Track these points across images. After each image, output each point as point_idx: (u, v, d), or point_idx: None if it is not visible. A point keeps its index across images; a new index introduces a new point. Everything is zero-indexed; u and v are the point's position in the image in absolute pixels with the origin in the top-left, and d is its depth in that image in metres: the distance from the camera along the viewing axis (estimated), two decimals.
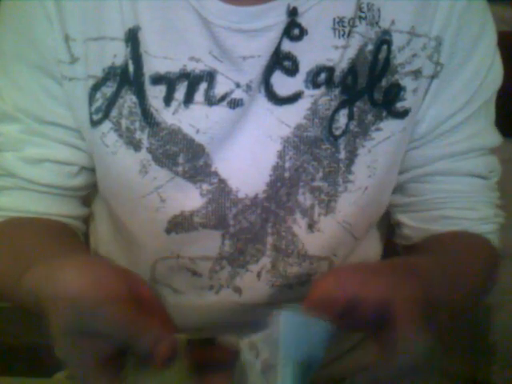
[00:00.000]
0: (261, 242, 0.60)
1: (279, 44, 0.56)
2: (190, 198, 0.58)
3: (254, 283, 0.62)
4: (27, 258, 0.52)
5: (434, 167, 0.61)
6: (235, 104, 0.56)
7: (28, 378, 0.57)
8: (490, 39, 0.60)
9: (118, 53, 0.57)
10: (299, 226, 0.60)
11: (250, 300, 0.63)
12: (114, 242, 0.66)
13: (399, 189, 0.64)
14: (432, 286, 0.46)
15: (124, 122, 0.58)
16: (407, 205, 0.64)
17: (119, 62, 0.57)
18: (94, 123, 0.58)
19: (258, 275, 0.62)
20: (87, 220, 0.68)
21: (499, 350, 0.95)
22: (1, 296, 0.57)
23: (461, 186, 0.62)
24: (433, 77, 0.59)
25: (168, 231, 0.60)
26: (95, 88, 0.58)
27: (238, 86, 0.56)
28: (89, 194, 0.66)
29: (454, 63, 0.59)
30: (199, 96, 0.56)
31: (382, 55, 0.57)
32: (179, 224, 0.59)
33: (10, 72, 0.60)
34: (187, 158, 0.57)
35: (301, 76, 0.57)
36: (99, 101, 0.58)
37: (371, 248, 0.69)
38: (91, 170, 0.63)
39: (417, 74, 0.58)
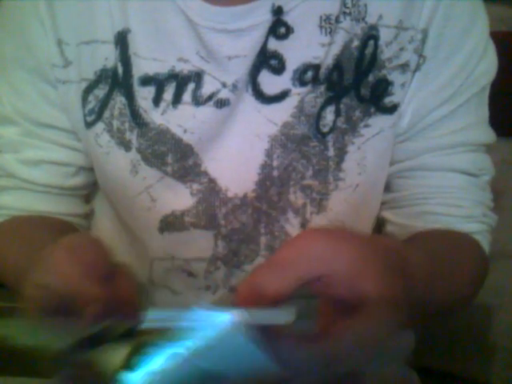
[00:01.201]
0: (254, 242, 0.60)
1: (265, 43, 0.56)
2: (180, 198, 0.59)
3: None
4: (35, 250, 0.53)
5: (417, 161, 0.60)
6: (222, 104, 0.57)
7: (28, 378, 0.57)
8: (481, 32, 0.59)
9: (109, 56, 0.58)
10: (292, 225, 0.60)
11: None
12: (115, 240, 0.67)
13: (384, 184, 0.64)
14: (414, 289, 0.44)
15: (115, 123, 0.59)
16: (391, 201, 0.63)
17: (110, 64, 0.58)
18: (88, 124, 0.59)
19: None
20: (89, 217, 0.69)
21: (499, 350, 0.95)
22: (14, 284, 0.58)
23: (445, 182, 0.60)
24: (415, 70, 0.58)
25: (161, 230, 0.60)
26: (88, 91, 0.59)
27: (224, 85, 0.57)
28: (90, 192, 0.67)
29: (439, 56, 0.58)
30: (187, 96, 0.57)
31: (369, 51, 0.57)
32: (171, 224, 0.60)
33: (9, 76, 0.61)
34: (176, 157, 0.58)
35: (288, 74, 0.57)
36: (92, 103, 0.59)
37: None
38: (90, 170, 0.64)
39: (404, 67, 0.58)
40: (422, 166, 0.60)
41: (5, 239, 0.62)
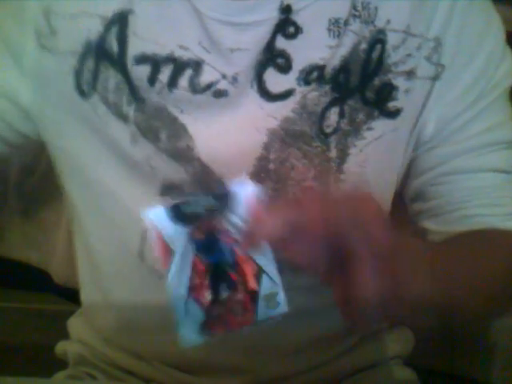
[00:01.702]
0: None
1: (273, 41, 0.56)
2: (177, 173, 0.59)
3: None
4: None
5: (449, 166, 0.60)
6: (220, 95, 0.57)
7: (28, 378, 0.57)
8: (496, 35, 0.59)
9: (92, 28, 0.58)
10: None
11: None
12: (102, 214, 0.65)
13: (419, 195, 0.63)
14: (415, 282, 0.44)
15: (111, 97, 0.59)
16: (428, 210, 0.62)
17: (93, 36, 0.58)
18: (85, 95, 0.60)
19: None
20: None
21: (499, 350, 0.95)
22: None
23: (481, 183, 0.60)
24: (434, 78, 0.58)
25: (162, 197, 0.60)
26: (80, 61, 0.59)
27: (224, 77, 0.57)
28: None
29: (458, 63, 0.58)
30: (184, 81, 0.57)
31: (376, 54, 0.57)
32: (171, 191, 0.60)
33: None
34: (169, 134, 0.58)
35: (293, 74, 0.57)
36: (86, 74, 0.59)
37: None
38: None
39: (410, 74, 0.58)
40: (455, 170, 0.60)
41: None
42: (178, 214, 0.41)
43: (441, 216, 0.62)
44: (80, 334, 0.76)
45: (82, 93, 0.60)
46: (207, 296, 0.40)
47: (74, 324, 0.78)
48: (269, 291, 0.41)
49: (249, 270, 0.41)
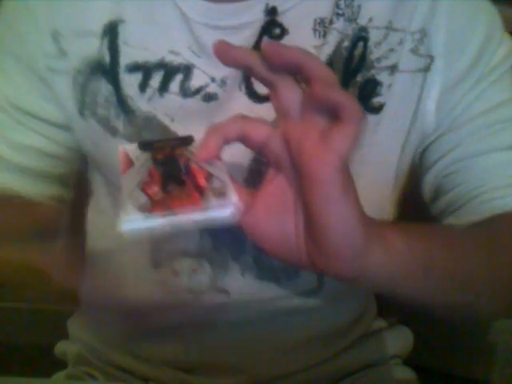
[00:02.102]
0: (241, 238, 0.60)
1: (258, 42, 0.57)
2: None
3: (239, 280, 0.62)
4: None
5: (459, 151, 0.59)
6: (210, 98, 0.57)
7: (28, 378, 0.57)
8: (489, 21, 0.58)
9: (94, 46, 0.59)
10: None
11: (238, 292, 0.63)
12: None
13: (436, 190, 0.62)
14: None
15: (99, 110, 0.60)
16: (448, 205, 0.61)
17: (94, 54, 0.59)
18: (82, 114, 0.61)
19: (242, 273, 0.62)
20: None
21: (499, 350, 0.95)
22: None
23: (494, 163, 0.58)
24: (425, 70, 0.58)
25: None
26: (76, 79, 0.60)
27: (212, 80, 0.58)
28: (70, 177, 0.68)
29: (449, 52, 0.57)
30: (174, 86, 0.58)
31: (358, 51, 0.57)
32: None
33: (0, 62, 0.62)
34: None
35: None
36: (79, 91, 0.60)
37: None
38: (72, 161, 0.65)
39: (393, 68, 0.58)
40: (465, 154, 0.58)
41: None
42: (147, 145, 0.45)
43: (461, 208, 0.60)
44: (80, 334, 0.76)
45: (80, 111, 0.61)
46: (154, 188, 0.41)
47: (74, 324, 0.78)
48: (218, 187, 0.41)
49: (200, 175, 0.42)
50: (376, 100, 0.58)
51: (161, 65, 0.58)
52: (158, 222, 0.38)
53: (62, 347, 0.78)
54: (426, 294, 0.51)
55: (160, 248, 0.62)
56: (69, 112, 0.62)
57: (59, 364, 0.77)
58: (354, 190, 0.42)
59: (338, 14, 0.57)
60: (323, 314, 0.67)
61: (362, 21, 0.57)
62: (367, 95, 0.58)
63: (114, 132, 0.60)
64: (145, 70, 0.58)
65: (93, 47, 0.59)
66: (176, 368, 0.68)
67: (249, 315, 0.64)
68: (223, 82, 0.58)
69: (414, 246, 0.48)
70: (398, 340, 0.76)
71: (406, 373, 0.75)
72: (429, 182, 0.62)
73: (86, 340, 0.74)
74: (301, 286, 0.64)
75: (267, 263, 0.62)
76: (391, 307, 0.79)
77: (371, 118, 0.58)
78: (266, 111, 0.57)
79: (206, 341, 0.66)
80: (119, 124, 0.59)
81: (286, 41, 0.57)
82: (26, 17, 0.60)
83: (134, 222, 0.37)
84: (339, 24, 0.57)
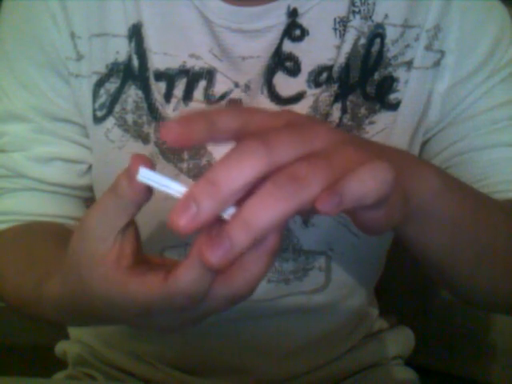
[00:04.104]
0: None
1: (280, 45, 0.56)
2: None
3: None
4: (43, 264, 0.52)
5: (462, 144, 0.59)
6: (234, 103, 0.56)
7: (28, 378, 0.57)
8: (501, 19, 0.59)
9: (120, 49, 0.57)
10: (294, 220, 0.60)
11: None
12: None
13: None
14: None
15: (130, 117, 0.58)
16: None
17: (122, 58, 0.58)
18: (98, 120, 0.59)
19: None
20: None
21: (499, 351, 0.95)
22: (19, 307, 0.56)
23: (495, 158, 0.58)
24: (435, 64, 0.58)
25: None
26: (99, 84, 0.58)
27: (236, 85, 0.57)
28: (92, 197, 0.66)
29: (461, 48, 0.58)
30: (198, 94, 0.57)
31: (375, 49, 0.57)
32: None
33: (17, 72, 0.60)
34: (191, 154, 0.57)
35: (303, 76, 0.57)
36: (103, 97, 0.58)
37: (376, 246, 0.68)
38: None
39: (409, 64, 0.58)
40: (467, 147, 0.58)
41: (6, 252, 0.59)
42: None
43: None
44: (80, 335, 0.75)
45: (95, 117, 0.59)
46: None
47: None
48: None
49: None
50: (393, 96, 0.58)
51: (182, 71, 0.57)
52: (174, 187, 0.36)
53: (61, 347, 0.77)
54: (455, 257, 0.49)
55: (166, 245, 0.62)
56: (84, 117, 0.60)
57: (59, 364, 0.77)
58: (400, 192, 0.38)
59: (354, 12, 0.57)
60: (328, 313, 0.67)
61: (378, 18, 0.57)
62: (384, 92, 0.58)
63: (146, 139, 0.58)
64: (168, 79, 0.57)
65: (113, 49, 0.57)
66: (177, 369, 0.68)
67: (253, 314, 0.64)
68: (247, 87, 0.57)
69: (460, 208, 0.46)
70: (400, 340, 0.76)
71: (407, 373, 0.75)
72: None
73: (86, 341, 0.74)
74: (308, 285, 0.63)
75: (278, 267, 0.62)
76: (391, 307, 0.79)
77: (388, 115, 0.58)
78: None
79: (208, 341, 0.66)
80: (151, 131, 0.58)
81: (307, 42, 0.57)
82: (46, 20, 0.58)
83: (153, 175, 0.36)
84: (356, 21, 0.56)
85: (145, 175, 0.35)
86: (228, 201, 0.32)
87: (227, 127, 0.34)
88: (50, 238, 0.59)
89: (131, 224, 0.39)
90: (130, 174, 0.35)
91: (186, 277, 0.34)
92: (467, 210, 0.48)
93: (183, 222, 0.31)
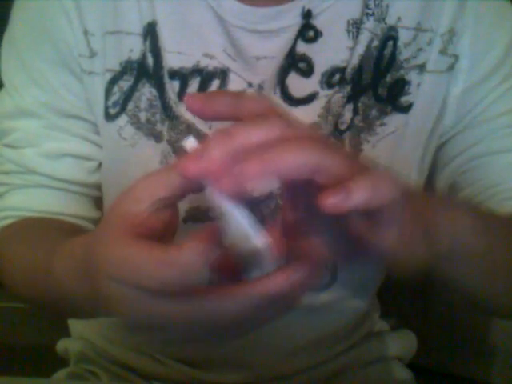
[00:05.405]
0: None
1: (294, 46, 0.57)
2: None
3: None
4: (52, 241, 0.51)
5: (477, 149, 0.59)
6: None
7: (28, 378, 0.57)
8: None
9: (134, 47, 0.58)
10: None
11: None
12: None
13: (451, 187, 0.62)
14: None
15: (144, 115, 0.58)
16: (465, 200, 0.60)
17: (136, 56, 0.58)
18: (111, 117, 0.59)
19: None
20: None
21: (499, 351, 0.95)
22: (28, 288, 0.56)
23: (510, 162, 0.58)
24: (449, 68, 0.58)
25: (185, 221, 0.59)
26: (112, 81, 0.58)
27: (250, 85, 0.57)
28: (101, 198, 0.66)
29: (475, 52, 0.58)
30: None
31: (388, 51, 0.58)
32: (196, 215, 0.59)
33: (29, 68, 0.60)
34: None
35: (316, 77, 0.57)
36: (116, 94, 0.59)
37: None
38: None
39: (421, 68, 0.58)
40: (483, 152, 0.59)
41: (16, 242, 0.59)
42: None
43: (479, 205, 0.59)
44: (81, 331, 0.75)
45: (108, 114, 0.59)
46: None
47: (76, 321, 0.77)
48: None
49: None
50: (405, 99, 0.59)
51: (196, 70, 0.57)
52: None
53: (63, 345, 0.77)
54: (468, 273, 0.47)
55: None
56: (95, 114, 0.60)
57: (59, 364, 0.77)
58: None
59: (368, 14, 0.57)
60: (331, 312, 0.67)
61: (391, 20, 0.57)
62: (396, 94, 0.58)
63: (158, 137, 0.58)
64: (181, 78, 0.57)
65: (126, 47, 0.57)
66: (182, 363, 0.68)
67: None
68: (260, 87, 0.57)
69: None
70: (401, 343, 0.76)
71: (402, 372, 0.75)
72: (444, 177, 0.62)
73: (88, 337, 0.74)
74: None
75: None
76: (391, 308, 0.79)
77: (400, 118, 0.59)
78: (301, 114, 0.56)
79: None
80: (164, 129, 0.58)
81: (321, 43, 0.57)
82: (59, 17, 0.58)
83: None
84: (370, 24, 0.57)
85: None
86: (237, 150, 0.33)
87: (252, 108, 0.35)
88: (58, 231, 0.59)
89: (173, 208, 0.38)
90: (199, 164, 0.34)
91: (189, 250, 0.35)
92: (498, 242, 0.48)
93: (191, 164, 0.33)
